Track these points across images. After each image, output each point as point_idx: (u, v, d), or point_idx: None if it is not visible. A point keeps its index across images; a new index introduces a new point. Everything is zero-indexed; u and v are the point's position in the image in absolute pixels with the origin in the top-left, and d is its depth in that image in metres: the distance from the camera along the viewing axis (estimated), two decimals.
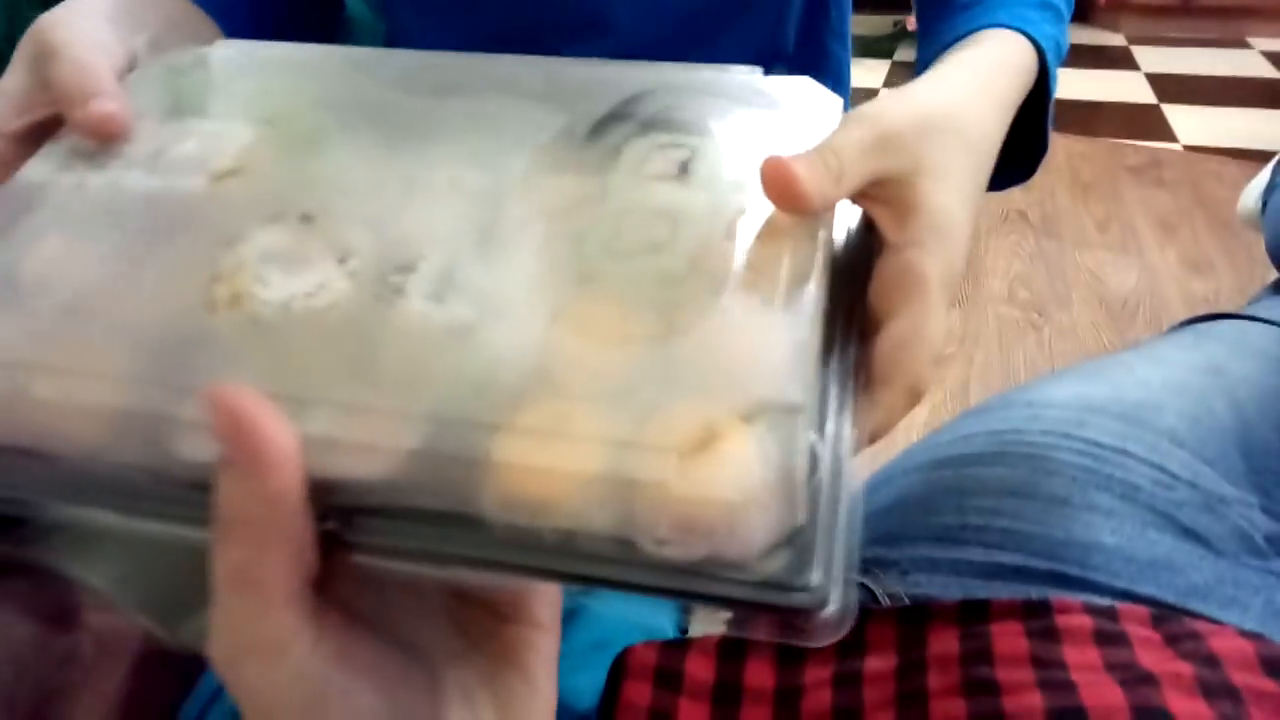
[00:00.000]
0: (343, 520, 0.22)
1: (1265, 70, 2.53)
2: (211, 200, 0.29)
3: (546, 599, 0.26)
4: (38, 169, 0.31)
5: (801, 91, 0.32)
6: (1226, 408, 0.52)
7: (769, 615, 0.21)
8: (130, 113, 0.32)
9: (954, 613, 0.41)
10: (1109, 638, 0.38)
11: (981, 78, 0.39)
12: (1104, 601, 0.41)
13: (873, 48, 2.74)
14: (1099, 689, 0.35)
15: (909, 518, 0.50)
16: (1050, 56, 0.43)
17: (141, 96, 0.33)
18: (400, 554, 0.22)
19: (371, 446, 0.22)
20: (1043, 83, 0.44)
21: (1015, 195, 1.90)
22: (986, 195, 0.38)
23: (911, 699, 0.38)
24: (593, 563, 0.21)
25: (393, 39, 0.66)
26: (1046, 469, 0.47)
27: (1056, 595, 0.42)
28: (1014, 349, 1.50)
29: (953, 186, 0.32)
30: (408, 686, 0.22)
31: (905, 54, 2.74)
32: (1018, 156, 0.47)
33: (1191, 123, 2.25)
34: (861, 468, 0.23)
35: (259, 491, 0.19)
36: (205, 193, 0.29)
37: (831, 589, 0.21)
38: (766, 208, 0.27)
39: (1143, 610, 0.40)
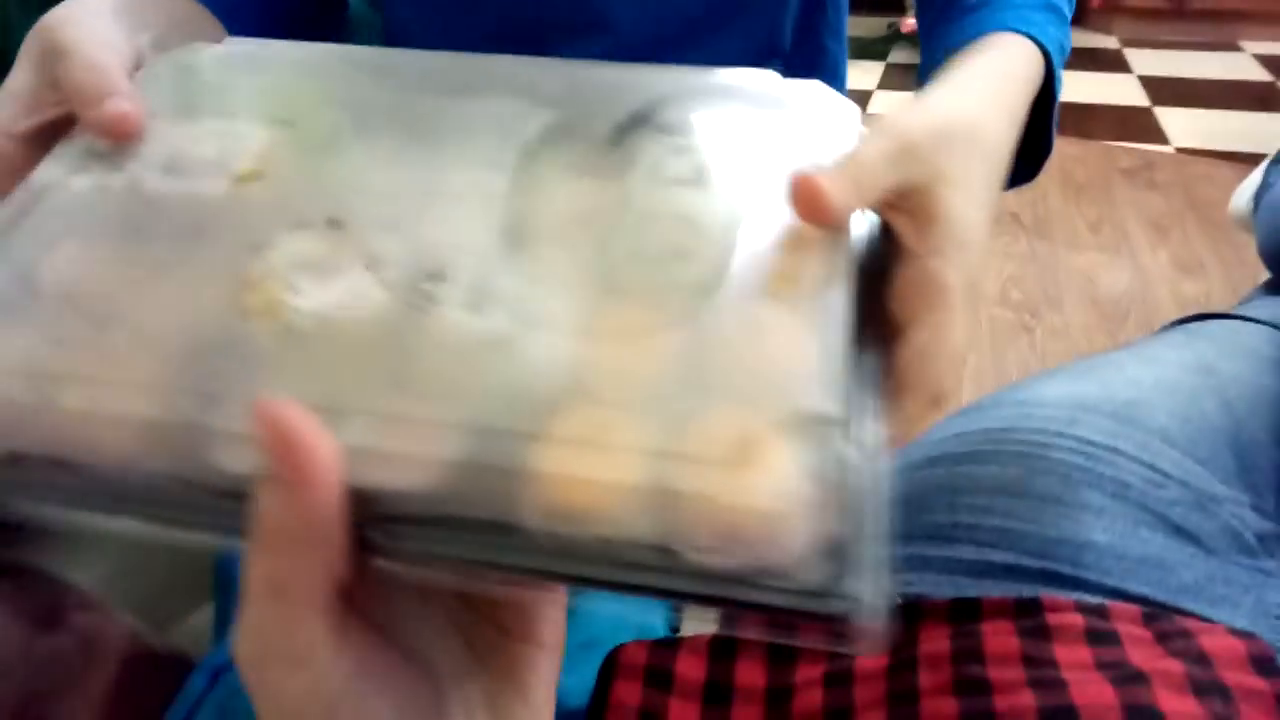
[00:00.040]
0: (379, 529, 0.22)
1: (1257, 73, 2.54)
2: (234, 203, 0.29)
3: (552, 619, 0.26)
4: (51, 170, 0.30)
5: (815, 96, 0.33)
6: (1217, 407, 0.52)
7: (813, 623, 0.21)
8: (144, 113, 0.31)
9: (945, 611, 0.41)
10: (1100, 636, 0.38)
11: (994, 87, 0.39)
12: (1095, 600, 0.41)
13: (867, 49, 2.75)
14: (1090, 687, 0.35)
15: (900, 516, 0.49)
16: (1056, 60, 0.43)
17: (152, 95, 0.32)
18: (437, 562, 0.22)
19: (410, 457, 0.22)
20: (1048, 85, 0.44)
21: (1008, 197, 1.90)
22: None
23: (902, 698, 0.38)
24: (634, 570, 0.21)
25: (391, 36, 0.66)
26: (1038, 467, 0.47)
27: (1048, 593, 0.42)
28: (1006, 350, 1.50)
29: (972, 196, 0.32)
30: (415, 700, 0.22)
31: (899, 56, 2.75)
32: (1021, 158, 0.47)
33: (1183, 125, 2.26)
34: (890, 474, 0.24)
35: (300, 505, 0.19)
36: (227, 196, 0.29)
37: (873, 595, 0.21)
38: (787, 213, 0.27)
39: (1134, 609, 0.40)
